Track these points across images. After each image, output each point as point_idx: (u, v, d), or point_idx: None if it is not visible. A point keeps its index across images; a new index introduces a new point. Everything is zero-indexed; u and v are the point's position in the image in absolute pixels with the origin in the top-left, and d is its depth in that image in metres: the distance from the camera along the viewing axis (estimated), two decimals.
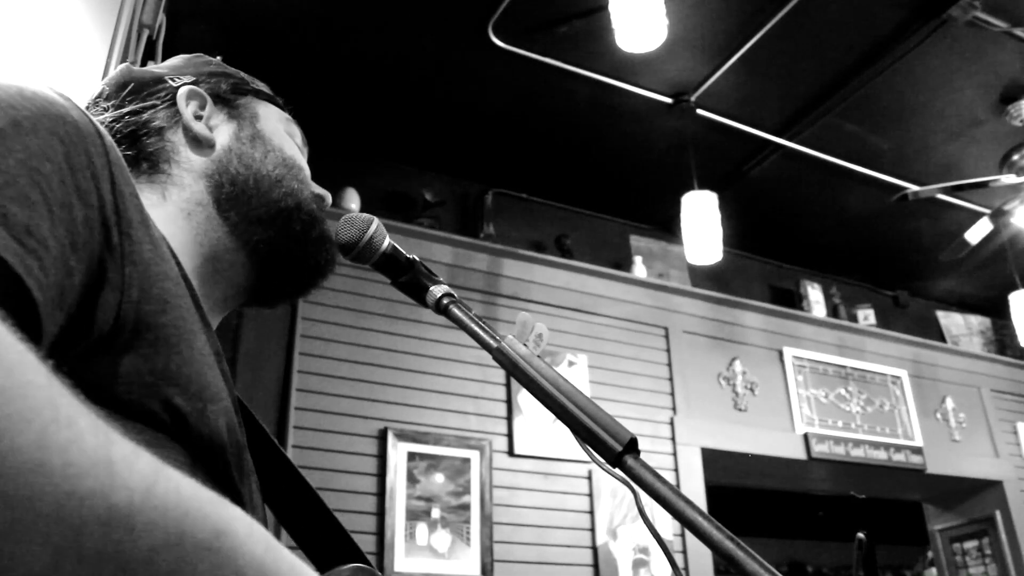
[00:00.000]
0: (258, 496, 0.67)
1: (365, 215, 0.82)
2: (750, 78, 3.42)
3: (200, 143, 0.78)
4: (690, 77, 3.42)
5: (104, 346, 0.50)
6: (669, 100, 3.52)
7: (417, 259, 0.83)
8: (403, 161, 3.87)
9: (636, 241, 4.26)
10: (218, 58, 0.89)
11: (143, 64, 1.57)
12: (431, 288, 0.80)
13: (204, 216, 0.76)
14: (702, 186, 3.55)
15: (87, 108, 0.79)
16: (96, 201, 0.50)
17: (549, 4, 3.03)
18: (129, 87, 0.79)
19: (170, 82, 0.80)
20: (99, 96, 0.79)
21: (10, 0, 1.45)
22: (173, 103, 0.79)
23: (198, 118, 0.79)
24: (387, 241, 0.82)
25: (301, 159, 0.85)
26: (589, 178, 4.09)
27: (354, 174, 3.60)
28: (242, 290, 0.80)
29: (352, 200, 3.43)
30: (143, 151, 0.76)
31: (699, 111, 3.55)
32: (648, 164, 3.97)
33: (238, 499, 0.60)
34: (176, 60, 0.86)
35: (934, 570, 5.06)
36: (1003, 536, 4.42)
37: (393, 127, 3.68)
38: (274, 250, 0.78)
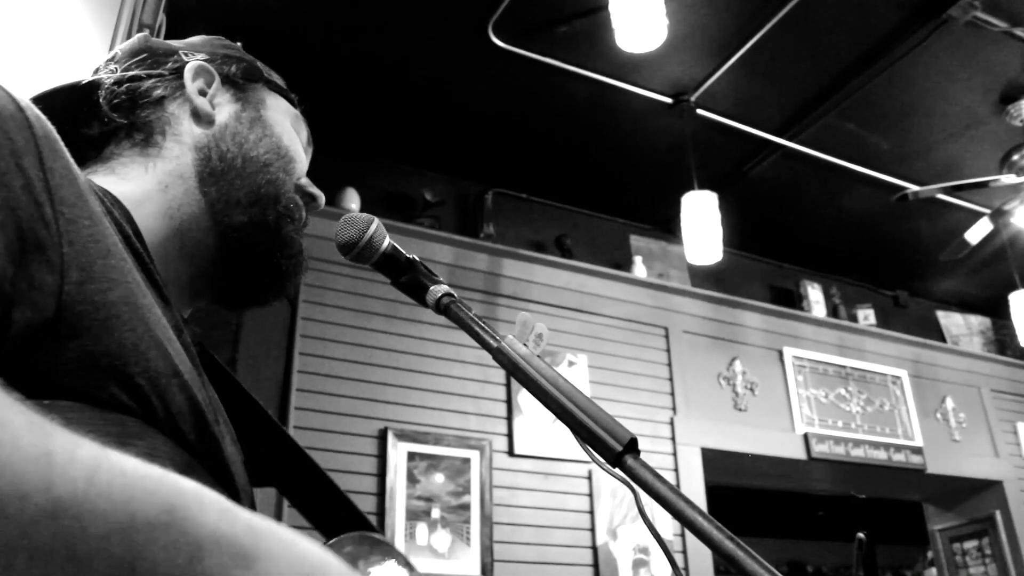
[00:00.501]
0: (238, 466, 0.66)
1: (365, 215, 0.82)
2: (750, 78, 3.42)
3: (200, 117, 0.78)
4: (690, 77, 3.42)
5: (51, 333, 0.48)
6: (669, 100, 3.52)
7: (417, 259, 0.83)
8: (403, 161, 3.87)
9: (636, 241, 4.26)
10: (239, 44, 0.89)
11: None
12: (431, 288, 0.80)
13: (182, 189, 0.75)
14: (702, 186, 3.55)
15: (98, 69, 0.80)
16: (18, 180, 0.47)
17: (549, 4, 3.03)
18: (141, 55, 0.79)
19: (183, 56, 0.80)
20: (111, 59, 0.79)
21: (10, 0, 1.45)
22: (180, 76, 0.78)
23: (203, 93, 0.79)
24: (387, 241, 0.82)
25: (298, 152, 0.84)
26: (589, 178, 4.09)
27: (354, 174, 3.60)
28: (207, 277, 0.78)
29: (352, 200, 3.43)
30: (139, 120, 0.76)
31: (699, 111, 3.55)
32: (648, 164, 3.97)
33: (213, 472, 0.58)
34: (195, 39, 0.86)
35: (934, 570, 5.06)
36: (1003, 536, 4.42)
37: (393, 127, 3.68)
38: (244, 236, 0.77)
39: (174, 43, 0.83)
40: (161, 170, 0.75)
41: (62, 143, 0.54)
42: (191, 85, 0.78)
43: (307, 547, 0.39)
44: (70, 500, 0.30)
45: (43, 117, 0.54)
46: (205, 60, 0.81)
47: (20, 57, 1.38)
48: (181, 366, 0.58)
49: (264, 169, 0.79)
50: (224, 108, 0.80)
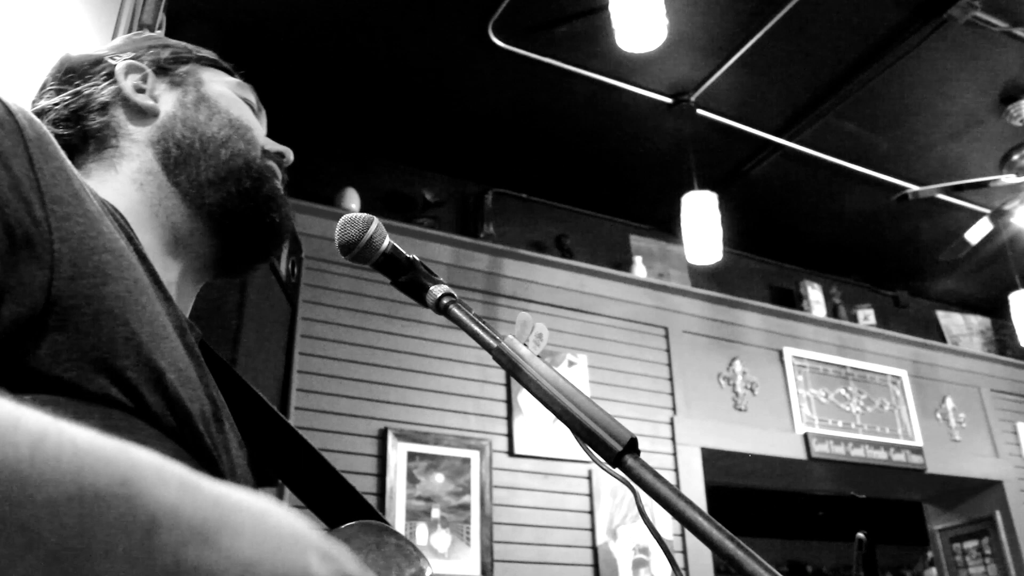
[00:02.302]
0: (241, 465, 0.66)
1: (365, 215, 0.82)
2: (750, 78, 3.42)
3: (144, 113, 0.78)
4: (690, 77, 3.42)
5: (40, 326, 0.49)
6: (669, 100, 3.52)
7: (417, 259, 0.83)
8: (403, 161, 3.87)
9: (636, 241, 4.26)
10: (159, 32, 0.89)
11: None
12: (431, 288, 0.80)
13: (156, 185, 0.76)
14: (702, 186, 3.55)
15: (34, 101, 0.80)
16: (6, 180, 0.49)
17: (549, 4, 3.03)
18: (69, 72, 0.79)
19: (109, 61, 0.80)
20: (42, 88, 0.80)
21: (10, 0, 1.45)
22: (113, 80, 0.79)
23: (140, 91, 0.79)
24: (387, 241, 0.82)
25: (250, 119, 0.84)
26: (589, 178, 4.09)
27: (354, 174, 3.60)
28: (207, 260, 0.79)
29: (352, 200, 3.43)
30: (88, 130, 0.76)
31: (699, 111, 3.55)
32: (648, 164, 3.97)
33: (212, 466, 0.58)
34: (117, 40, 0.87)
35: (934, 570, 5.06)
36: (1003, 536, 4.42)
37: (393, 127, 3.68)
38: (228, 211, 0.78)
39: (98, 52, 0.83)
40: (129, 169, 0.76)
41: (56, 146, 0.55)
42: (126, 84, 0.78)
43: (280, 519, 0.37)
44: (12, 465, 0.29)
45: (36, 121, 0.55)
46: (132, 58, 0.81)
47: (20, 57, 1.38)
48: (179, 362, 0.58)
49: (224, 145, 0.79)
50: (165, 98, 0.80)
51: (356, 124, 3.62)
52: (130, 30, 1.58)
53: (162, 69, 0.82)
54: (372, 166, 3.79)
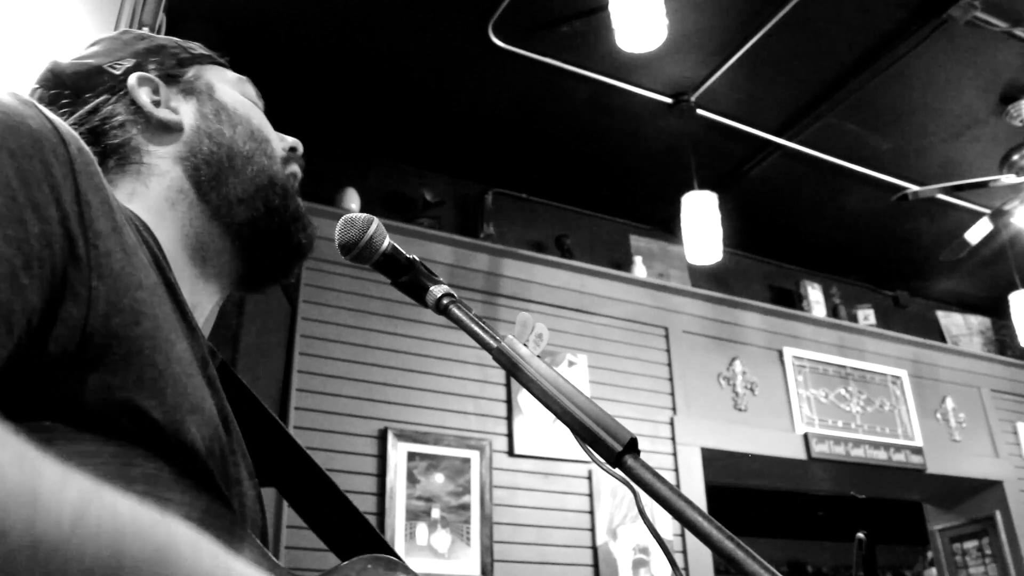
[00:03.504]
0: (252, 499, 0.66)
1: (365, 215, 0.82)
2: (750, 78, 3.42)
3: (168, 128, 0.76)
4: (690, 77, 3.42)
5: (72, 362, 0.49)
6: (669, 100, 3.52)
7: (417, 259, 0.83)
8: (403, 161, 3.87)
9: (636, 241, 4.26)
10: (144, 29, 0.87)
11: None
12: (431, 288, 0.80)
13: (187, 204, 0.75)
14: (702, 186, 3.55)
15: None
16: (55, 214, 0.48)
17: (549, 4, 3.03)
18: (69, 85, 0.76)
19: (111, 71, 0.77)
20: (38, 101, 0.75)
21: (11, 0, 1.45)
22: (125, 93, 0.76)
23: (156, 104, 0.77)
24: (387, 241, 0.82)
25: (267, 127, 0.83)
26: (589, 178, 4.09)
27: (354, 174, 3.60)
28: (232, 278, 0.79)
29: (352, 200, 3.43)
30: (108, 147, 0.74)
31: (699, 111, 3.55)
32: (648, 164, 3.97)
33: (225, 502, 0.58)
34: (105, 43, 0.82)
35: (934, 570, 5.06)
36: (1003, 536, 4.42)
37: (393, 127, 3.68)
38: (257, 230, 0.78)
39: (90, 59, 0.79)
40: (159, 186, 0.74)
41: (99, 170, 0.54)
42: (144, 99, 0.76)
43: None
44: (53, 538, 0.30)
45: (82, 143, 0.54)
46: (134, 66, 0.78)
47: (20, 58, 1.38)
48: (202, 402, 0.58)
49: (249, 161, 0.78)
50: (184, 110, 0.78)
51: (356, 124, 3.62)
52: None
53: (170, 77, 0.80)
54: (372, 166, 3.79)
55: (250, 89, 0.86)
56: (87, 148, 0.54)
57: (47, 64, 0.78)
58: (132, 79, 0.77)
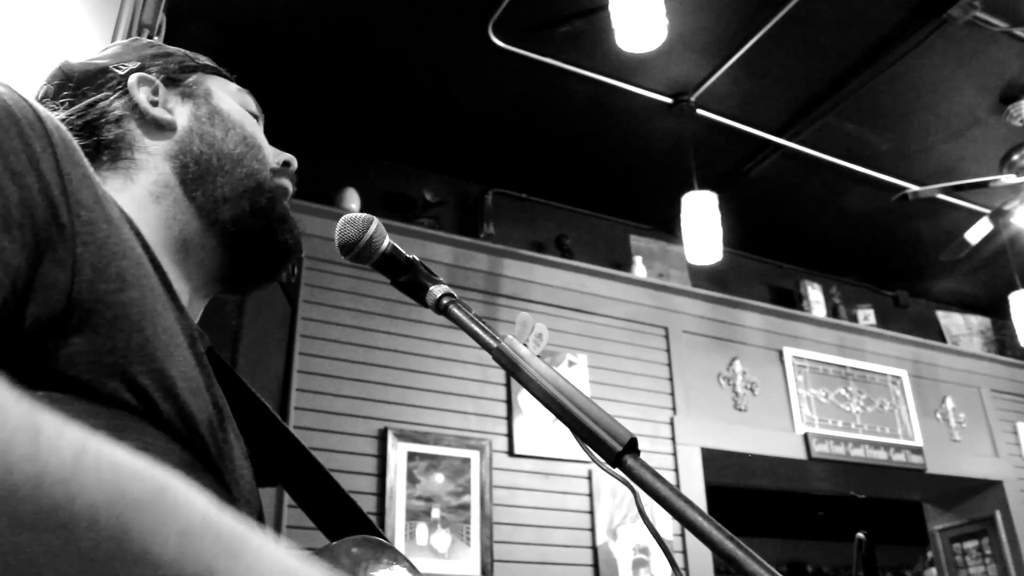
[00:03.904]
0: (247, 480, 0.66)
1: (365, 215, 0.82)
2: (750, 78, 3.42)
3: (161, 127, 0.78)
4: (690, 77, 3.42)
5: (59, 327, 0.50)
6: (669, 100, 3.52)
7: (417, 259, 0.83)
8: (403, 161, 3.87)
9: (636, 241, 4.26)
10: (156, 38, 0.89)
11: None
12: (431, 288, 0.80)
13: (172, 199, 0.76)
14: (702, 186, 3.55)
15: None
16: (35, 183, 0.50)
17: (549, 4, 3.03)
18: (75, 81, 0.78)
19: (116, 71, 0.80)
20: (44, 97, 0.79)
21: (10, 0, 1.45)
22: (125, 91, 0.78)
23: (154, 103, 0.79)
24: (387, 241, 0.82)
25: (260, 136, 0.85)
26: (589, 178, 4.09)
27: (354, 174, 3.60)
28: (215, 275, 0.80)
29: (352, 200, 3.43)
30: (103, 141, 0.76)
31: (699, 111, 3.55)
32: (648, 164, 3.97)
33: (218, 477, 0.59)
34: (115, 47, 0.85)
35: (934, 570, 5.06)
36: (1003, 536, 4.42)
37: (393, 127, 3.68)
38: (241, 228, 0.79)
39: (98, 60, 0.82)
40: (145, 181, 0.76)
41: (81, 152, 0.56)
42: (141, 97, 0.78)
43: (286, 553, 0.40)
44: (56, 471, 0.31)
45: (62, 126, 0.55)
46: (138, 68, 0.80)
47: (20, 58, 1.38)
48: (188, 372, 0.59)
49: (239, 163, 0.80)
50: (179, 111, 0.80)
51: (356, 124, 3.62)
52: (130, 30, 1.58)
53: (171, 80, 0.82)
54: (372, 166, 3.79)
55: (250, 101, 0.87)
56: (65, 129, 0.56)
57: (58, 63, 0.81)
58: (132, 78, 0.79)
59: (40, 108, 0.54)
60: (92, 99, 0.77)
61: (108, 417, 0.51)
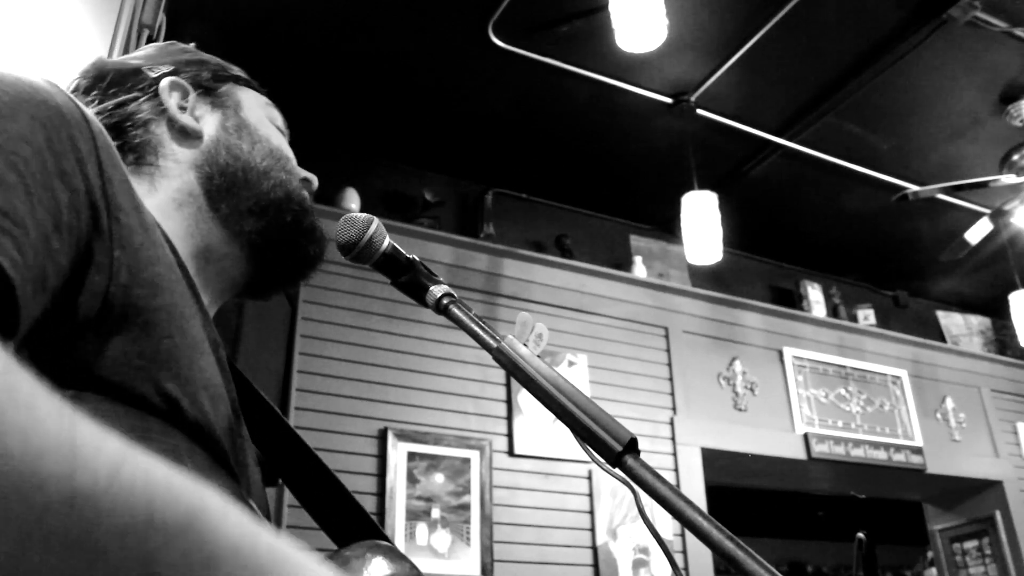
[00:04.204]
0: (258, 484, 0.67)
1: (365, 215, 0.82)
2: (750, 78, 3.42)
3: (188, 135, 0.78)
4: (690, 77, 3.42)
5: (92, 329, 0.50)
6: (669, 100, 3.52)
7: (417, 259, 0.83)
8: (403, 161, 3.87)
9: (636, 241, 4.26)
10: (192, 45, 0.89)
11: None
12: (431, 288, 0.80)
13: (195, 208, 0.76)
14: (702, 186, 3.55)
15: None
16: (81, 184, 0.50)
17: (549, 4, 3.03)
18: (107, 79, 0.78)
19: (148, 73, 0.79)
20: (75, 90, 0.78)
21: (11, 0, 1.45)
22: (155, 95, 0.78)
23: (182, 109, 0.79)
24: (387, 241, 0.82)
25: (287, 148, 0.85)
26: (589, 178, 4.09)
27: (354, 174, 3.60)
28: (236, 283, 0.80)
29: (352, 200, 3.43)
30: (128, 143, 0.76)
31: (699, 111, 3.55)
32: (648, 164, 3.97)
33: (235, 479, 0.60)
34: (150, 49, 0.85)
35: (934, 570, 5.06)
36: (1003, 536, 4.42)
37: (393, 127, 3.68)
38: (267, 241, 0.79)
39: (132, 60, 0.82)
40: (168, 188, 0.76)
41: (119, 156, 0.56)
42: (171, 103, 0.78)
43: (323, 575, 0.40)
44: (90, 491, 0.30)
45: (104, 129, 0.55)
46: (172, 72, 0.80)
47: (20, 58, 1.38)
48: (213, 379, 0.60)
49: (266, 176, 0.80)
50: (207, 120, 0.80)
51: (356, 124, 3.62)
52: (130, 31, 1.58)
53: (203, 88, 0.82)
54: (372, 166, 3.79)
55: (277, 116, 0.88)
56: (106, 132, 0.56)
57: (93, 59, 0.81)
58: (164, 82, 0.79)
59: (86, 109, 0.54)
60: (122, 99, 0.77)
61: (135, 418, 0.52)
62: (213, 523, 0.35)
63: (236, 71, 0.87)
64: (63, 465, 0.29)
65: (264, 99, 0.87)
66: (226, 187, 0.77)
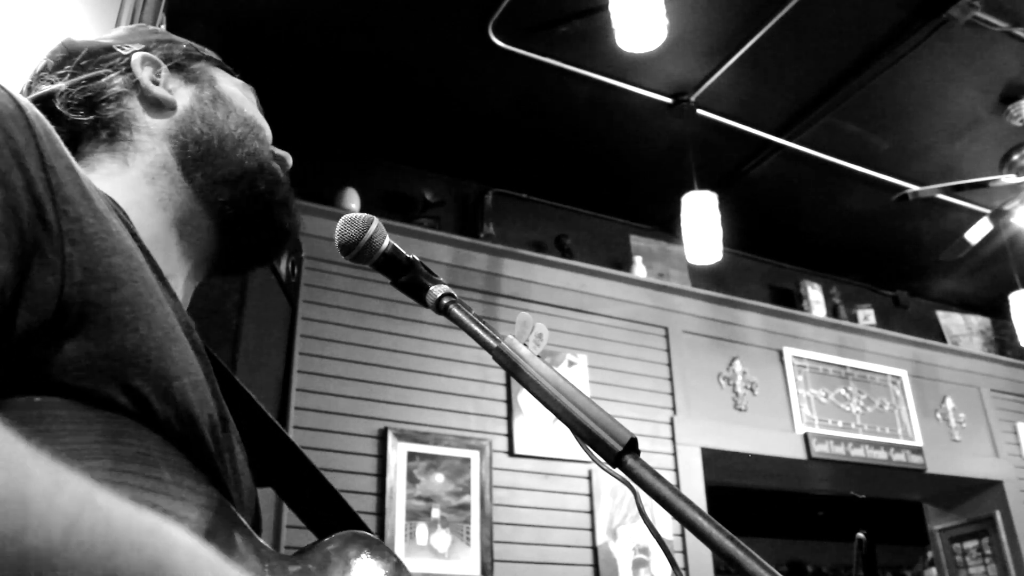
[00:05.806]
0: (243, 468, 0.66)
1: (365, 215, 0.82)
2: (750, 78, 3.42)
3: (161, 106, 0.77)
4: (690, 77, 3.42)
5: (51, 332, 0.48)
6: (669, 100, 3.52)
7: (417, 259, 0.83)
8: (403, 161, 3.87)
9: (636, 241, 4.26)
10: (162, 26, 0.89)
11: None
12: (431, 288, 0.80)
13: (168, 179, 0.75)
14: (702, 186, 3.55)
15: (30, 84, 0.78)
16: (19, 180, 0.47)
17: (549, 4, 3.03)
18: (79, 56, 0.78)
19: (120, 50, 0.79)
20: (43, 69, 0.78)
21: (11, 0, 1.45)
22: (127, 70, 0.78)
23: (155, 82, 0.78)
24: (387, 241, 0.82)
25: (261, 118, 0.85)
26: (589, 178, 4.09)
27: (354, 174, 3.60)
28: (208, 256, 0.79)
29: (352, 200, 3.43)
30: (101, 118, 0.75)
31: (699, 111, 3.55)
32: (648, 164, 3.97)
33: (214, 473, 0.58)
34: (121, 30, 0.85)
35: (934, 570, 5.06)
36: (1003, 536, 4.42)
37: (393, 127, 3.67)
38: (240, 212, 0.78)
39: (102, 39, 0.81)
40: (142, 162, 0.75)
41: (61, 142, 0.54)
42: (143, 76, 0.77)
43: None
44: (44, 551, 0.28)
45: (42, 116, 0.53)
46: (143, 50, 0.80)
47: (20, 57, 1.38)
48: (189, 366, 0.58)
49: (240, 144, 0.79)
50: (180, 92, 0.80)
51: (356, 124, 3.62)
52: None
53: (176, 65, 0.82)
54: (372, 166, 3.79)
55: (252, 96, 0.87)
56: (44, 118, 0.53)
57: (62, 39, 0.80)
58: (136, 56, 0.79)
59: (19, 96, 0.52)
60: (93, 73, 0.76)
61: (104, 422, 0.49)
62: (179, 568, 0.33)
63: (208, 52, 0.87)
64: (13, 524, 0.27)
65: (239, 80, 0.87)
66: (200, 156, 0.77)
